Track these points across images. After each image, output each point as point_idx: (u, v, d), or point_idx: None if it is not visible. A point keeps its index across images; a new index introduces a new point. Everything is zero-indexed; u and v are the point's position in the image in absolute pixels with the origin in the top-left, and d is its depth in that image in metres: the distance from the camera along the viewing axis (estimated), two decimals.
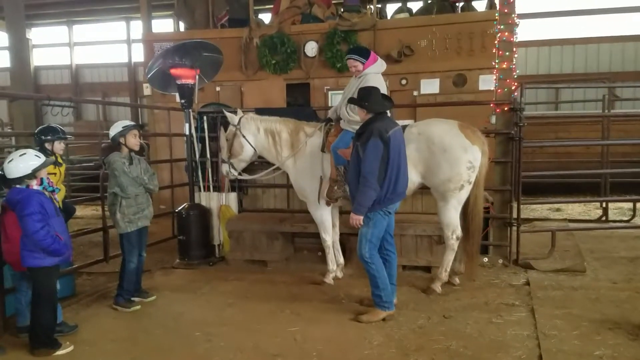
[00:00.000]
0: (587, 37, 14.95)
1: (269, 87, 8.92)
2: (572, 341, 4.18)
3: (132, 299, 5.28)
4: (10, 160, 4.09)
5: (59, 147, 5.24)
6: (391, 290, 4.85)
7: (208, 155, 7.08)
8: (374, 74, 5.33)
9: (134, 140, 5.17)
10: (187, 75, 6.64)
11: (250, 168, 6.35)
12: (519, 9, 6.75)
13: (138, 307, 5.22)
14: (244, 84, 9.06)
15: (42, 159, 4.18)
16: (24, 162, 4.08)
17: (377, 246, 4.70)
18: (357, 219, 4.56)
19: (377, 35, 8.48)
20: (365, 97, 4.62)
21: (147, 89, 9.36)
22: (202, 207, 6.93)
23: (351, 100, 4.89)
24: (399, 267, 6.09)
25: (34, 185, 4.10)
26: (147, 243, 5.68)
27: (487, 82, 7.83)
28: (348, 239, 6.36)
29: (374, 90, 4.72)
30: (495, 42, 6.69)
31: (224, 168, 6.06)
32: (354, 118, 5.27)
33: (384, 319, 4.67)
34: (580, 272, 6.01)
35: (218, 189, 7.13)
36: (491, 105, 6.61)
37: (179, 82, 6.66)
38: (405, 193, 4.83)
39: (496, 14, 6.88)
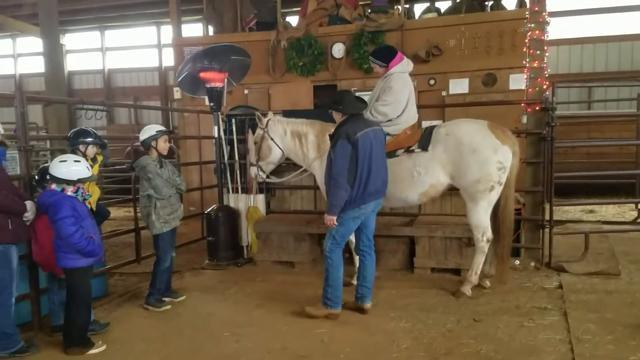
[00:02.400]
0: (620, 35, 14.59)
1: (296, 89, 8.97)
2: (606, 346, 4.08)
3: (163, 298, 5.36)
4: (63, 161, 4.18)
5: (91, 151, 5.34)
6: (366, 292, 4.91)
7: (236, 158, 7.14)
8: (399, 73, 5.33)
9: (164, 145, 5.30)
10: (216, 79, 6.72)
11: (277, 170, 6.38)
12: (550, 6, 6.61)
13: (168, 307, 5.29)
14: (271, 87, 9.12)
15: (90, 173, 4.28)
16: (74, 167, 4.17)
17: (341, 244, 4.79)
18: (329, 219, 4.64)
19: (404, 35, 8.45)
20: (339, 100, 4.77)
21: (177, 93, 9.51)
22: (230, 208, 6.99)
23: (325, 105, 5.02)
24: (427, 269, 6.11)
25: (69, 191, 4.18)
26: (177, 244, 5.76)
27: (517, 82, 7.72)
28: (376, 241, 6.33)
29: (346, 93, 4.89)
30: (526, 40, 6.57)
31: (253, 171, 6.10)
32: (377, 118, 5.29)
33: (326, 317, 4.74)
34: (614, 275, 5.86)
35: (246, 190, 7.18)
36: (522, 104, 6.50)
37: (208, 85, 6.74)
38: (382, 192, 4.86)
39: (526, 13, 6.76)
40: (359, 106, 4.82)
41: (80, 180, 4.19)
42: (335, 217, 4.64)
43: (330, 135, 4.85)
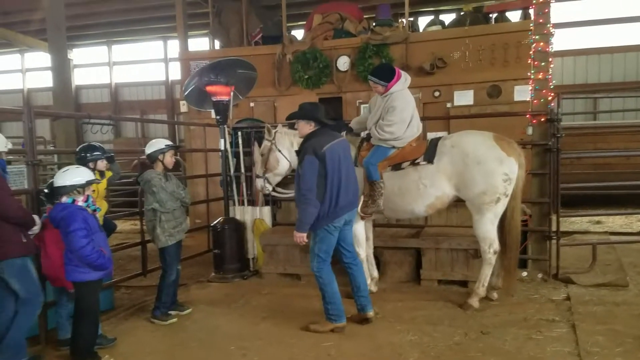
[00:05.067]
0: (625, 45, 14.58)
1: (301, 101, 8.97)
2: (614, 358, 4.05)
3: (169, 312, 5.36)
4: (66, 171, 4.24)
5: (101, 165, 5.39)
6: (365, 301, 4.90)
7: (242, 170, 7.17)
8: (399, 91, 5.34)
9: (171, 159, 5.36)
10: (222, 92, 6.76)
11: (283, 182, 6.39)
12: (554, 18, 6.63)
13: (174, 320, 5.29)
14: (277, 100, 9.18)
15: (93, 174, 4.41)
16: (79, 172, 4.25)
17: (327, 260, 4.72)
18: (299, 237, 4.59)
19: (409, 48, 8.49)
20: (312, 111, 4.79)
21: (183, 106, 9.57)
22: (236, 221, 7.00)
23: (304, 116, 4.83)
24: (433, 281, 6.09)
25: (80, 201, 4.20)
26: (183, 257, 5.77)
27: (522, 93, 7.73)
28: (382, 253, 6.33)
29: (314, 104, 5.00)
30: (531, 52, 6.60)
31: (259, 183, 6.12)
32: (384, 136, 5.31)
33: (332, 330, 4.72)
34: (622, 287, 5.82)
35: (252, 203, 7.20)
36: (527, 116, 6.51)
37: (214, 99, 6.78)
38: (354, 204, 4.85)
39: (531, 24, 6.80)
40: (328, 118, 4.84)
41: (89, 183, 4.25)
42: (305, 235, 4.60)
43: (296, 151, 4.83)
